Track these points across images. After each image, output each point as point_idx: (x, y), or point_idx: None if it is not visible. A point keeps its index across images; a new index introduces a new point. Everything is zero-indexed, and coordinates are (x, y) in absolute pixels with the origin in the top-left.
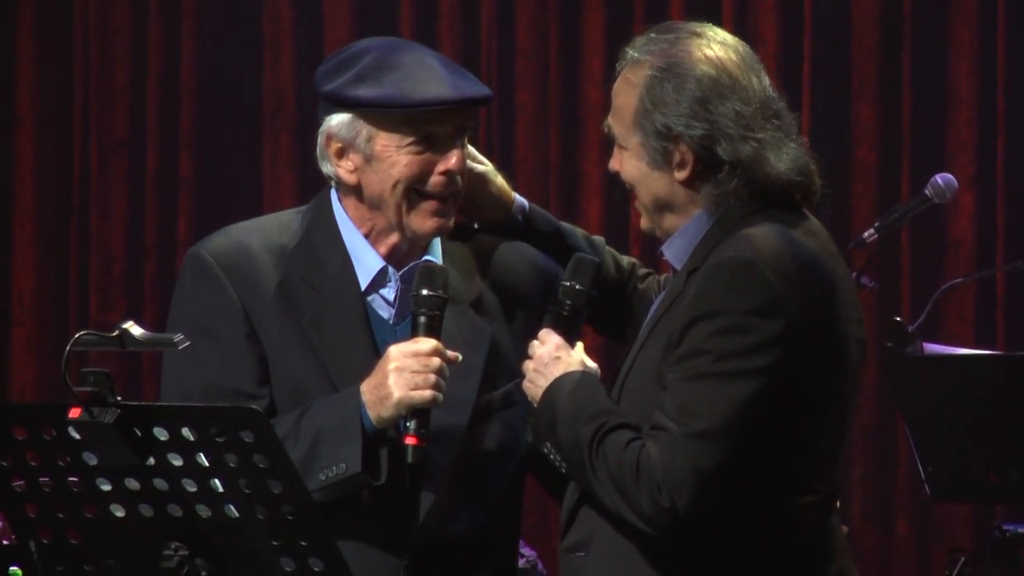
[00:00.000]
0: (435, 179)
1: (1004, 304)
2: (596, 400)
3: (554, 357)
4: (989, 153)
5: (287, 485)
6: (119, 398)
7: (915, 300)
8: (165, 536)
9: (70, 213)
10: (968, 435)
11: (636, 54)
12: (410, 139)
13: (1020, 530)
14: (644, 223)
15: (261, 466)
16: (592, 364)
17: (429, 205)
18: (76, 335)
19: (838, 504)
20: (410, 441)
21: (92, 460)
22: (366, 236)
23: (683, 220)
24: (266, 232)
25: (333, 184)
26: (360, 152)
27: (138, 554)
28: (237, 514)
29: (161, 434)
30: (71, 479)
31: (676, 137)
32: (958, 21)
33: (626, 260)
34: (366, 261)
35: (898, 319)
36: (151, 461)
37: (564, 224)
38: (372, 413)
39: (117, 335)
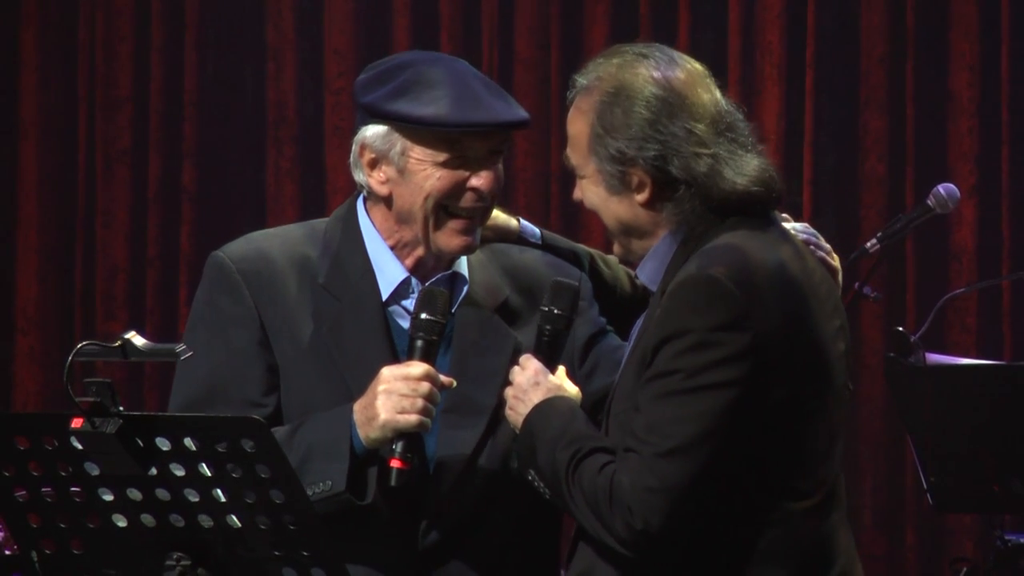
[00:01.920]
0: (466, 196)
1: (1010, 314)
2: (573, 425)
3: (534, 383)
4: (992, 163)
5: (289, 495)
6: (121, 408)
7: (919, 310)
8: (167, 546)
9: (74, 223)
10: (970, 445)
11: (584, 81)
12: (444, 156)
13: (1022, 540)
14: (616, 249)
15: (263, 476)
16: (573, 389)
17: (457, 224)
18: (78, 345)
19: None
20: (395, 464)
21: (94, 470)
22: (392, 248)
23: (651, 242)
24: (289, 240)
25: (363, 192)
26: (393, 164)
27: (140, 564)
28: (239, 524)
29: (163, 444)
30: (73, 489)
31: (630, 160)
32: (960, 32)
33: (629, 275)
34: (389, 272)
35: (900, 329)
36: (153, 471)
37: (580, 247)
38: (361, 433)
39: (119, 345)
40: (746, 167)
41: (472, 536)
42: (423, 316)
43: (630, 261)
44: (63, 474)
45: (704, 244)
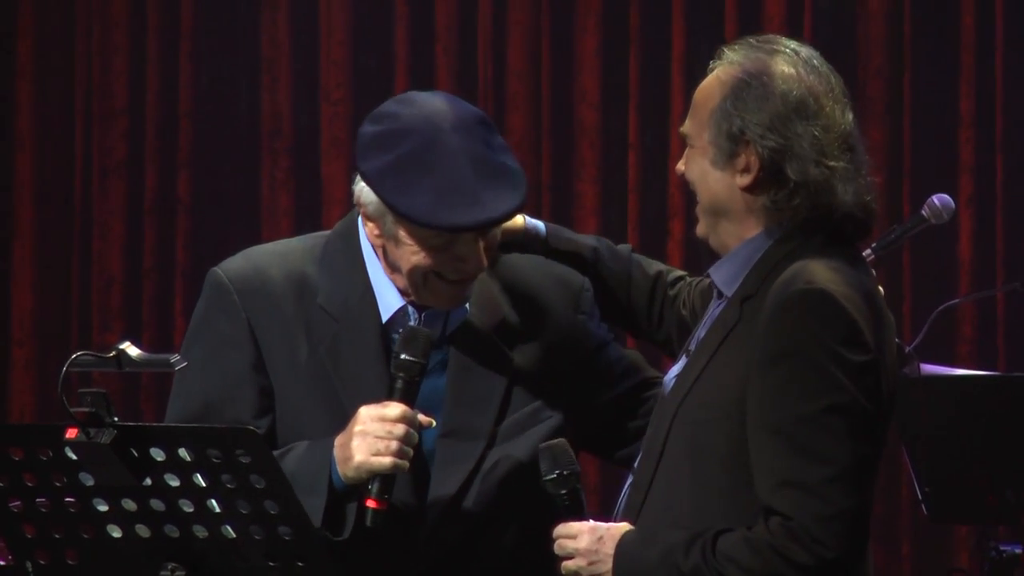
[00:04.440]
0: (453, 274)
1: (1005, 325)
2: (671, 537)
3: (597, 539)
4: (988, 173)
5: (284, 505)
6: (116, 419)
7: (915, 321)
8: (162, 556)
9: (70, 234)
10: (965, 456)
11: (732, 55)
12: (432, 241)
13: (1017, 551)
14: (700, 228)
15: (258, 486)
16: (623, 524)
17: (446, 287)
18: (73, 356)
19: None
20: (370, 504)
21: (89, 481)
22: (390, 276)
23: (737, 230)
24: (288, 257)
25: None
26: (385, 230)
27: (135, 574)
28: (234, 534)
29: (158, 454)
30: (68, 500)
31: (746, 142)
32: (957, 43)
33: (654, 267)
34: (387, 297)
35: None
36: (148, 481)
37: (587, 240)
38: (340, 470)
39: (114, 355)
40: (856, 190)
41: (469, 559)
42: (404, 356)
43: (709, 245)
44: (58, 485)
45: (798, 256)
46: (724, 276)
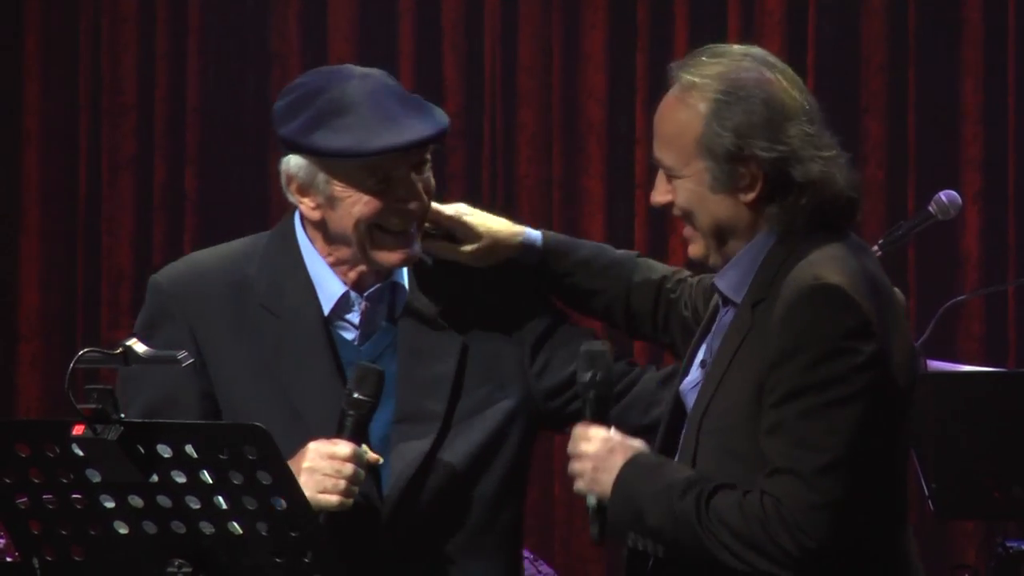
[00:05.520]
0: (396, 215)
1: (1015, 320)
2: (675, 474)
3: (608, 450)
4: (996, 169)
5: (291, 502)
6: (123, 415)
7: (922, 317)
8: (168, 553)
9: (77, 230)
10: (971, 452)
11: (689, 77)
12: (367, 182)
13: (1023, 547)
14: (697, 250)
15: (265, 483)
16: (638, 442)
17: (393, 239)
18: (80, 352)
19: None
20: None
21: (96, 477)
22: (331, 265)
23: (743, 244)
24: (227, 260)
25: (297, 210)
26: (320, 193)
27: (141, 571)
28: (241, 531)
29: (164, 451)
30: (75, 496)
31: (747, 159)
32: (964, 38)
33: (658, 271)
34: (329, 287)
35: None
36: (155, 478)
37: (589, 248)
38: None
39: (121, 352)
40: (846, 172)
41: (428, 543)
42: (355, 395)
43: (708, 265)
44: (64, 481)
45: (801, 252)
46: (730, 283)
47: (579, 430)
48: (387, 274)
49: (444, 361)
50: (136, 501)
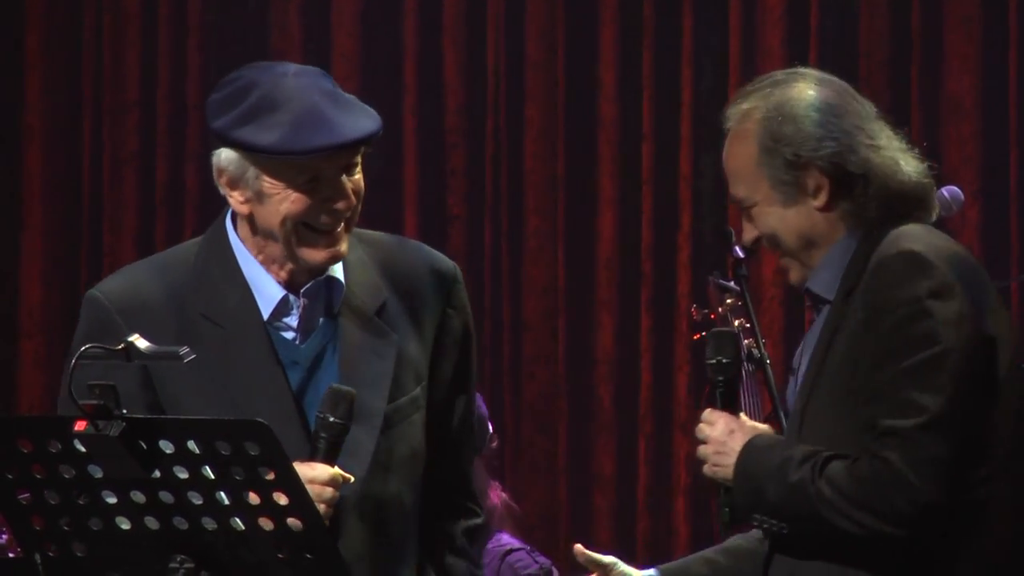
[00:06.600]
0: (324, 218)
1: (1018, 318)
2: (791, 451)
3: (729, 432)
4: (999, 166)
5: (293, 497)
6: (124, 411)
7: None
8: (170, 549)
9: (79, 227)
10: None
11: (737, 112)
12: (296, 180)
13: None
14: (795, 276)
15: (267, 478)
16: (763, 426)
17: (319, 238)
18: (82, 348)
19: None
20: None
21: (98, 473)
22: (262, 264)
23: (828, 250)
24: (164, 269)
25: (229, 211)
26: (249, 187)
27: (144, 566)
28: (243, 526)
29: (167, 447)
30: (77, 492)
31: (805, 164)
32: (965, 35)
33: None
34: (267, 290)
35: None
36: (157, 474)
37: (695, 561)
38: None
39: (123, 348)
40: (913, 162)
41: (375, 537)
42: (330, 419)
43: (807, 287)
44: (66, 477)
45: (889, 235)
46: (822, 283)
47: (706, 414)
48: (320, 270)
49: (383, 358)
50: (138, 497)
